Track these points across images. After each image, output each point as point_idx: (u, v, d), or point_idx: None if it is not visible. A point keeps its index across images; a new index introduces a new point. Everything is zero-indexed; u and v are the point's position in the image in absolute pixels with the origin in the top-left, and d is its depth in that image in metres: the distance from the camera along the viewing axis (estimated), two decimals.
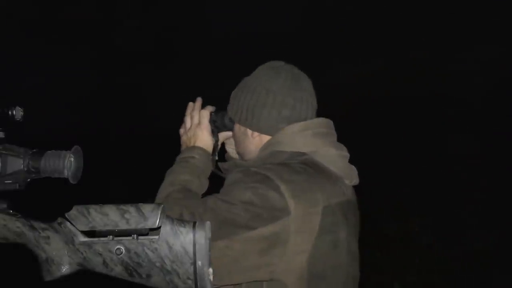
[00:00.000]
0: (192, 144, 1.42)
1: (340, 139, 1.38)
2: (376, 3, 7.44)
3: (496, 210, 5.12)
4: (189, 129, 1.45)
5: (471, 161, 5.92)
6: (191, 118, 1.46)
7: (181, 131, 1.49)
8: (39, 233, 0.91)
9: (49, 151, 0.94)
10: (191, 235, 0.90)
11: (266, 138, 1.34)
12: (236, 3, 7.54)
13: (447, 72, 7.20)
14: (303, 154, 1.28)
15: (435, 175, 5.84)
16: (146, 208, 0.89)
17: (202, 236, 0.91)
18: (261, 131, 1.34)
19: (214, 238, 1.08)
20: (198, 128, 1.44)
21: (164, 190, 1.30)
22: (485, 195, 5.35)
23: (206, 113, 1.46)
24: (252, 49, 6.81)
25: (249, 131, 1.37)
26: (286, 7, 7.45)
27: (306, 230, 1.15)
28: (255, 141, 1.37)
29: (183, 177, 1.33)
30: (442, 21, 7.27)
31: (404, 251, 4.72)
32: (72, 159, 0.93)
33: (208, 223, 0.96)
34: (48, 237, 0.91)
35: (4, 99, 0.94)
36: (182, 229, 0.90)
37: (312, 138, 1.30)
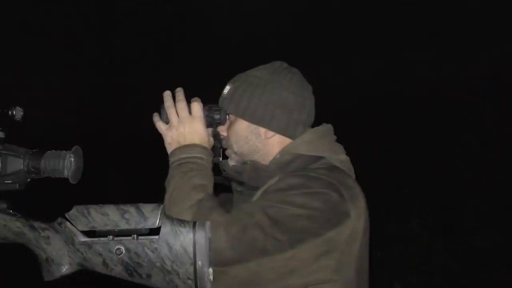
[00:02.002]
0: (189, 142, 1.25)
1: (339, 139, 1.39)
2: (375, 3, 7.45)
3: (496, 210, 5.12)
4: (179, 123, 1.26)
5: (472, 161, 5.93)
6: (180, 110, 1.27)
7: (161, 125, 1.28)
8: (39, 233, 0.91)
9: (49, 151, 0.94)
10: (191, 235, 0.90)
11: (281, 139, 1.32)
12: (236, 3, 7.55)
13: (446, 72, 7.21)
14: (321, 158, 1.29)
15: (435, 175, 5.84)
16: (146, 208, 0.89)
17: (202, 236, 0.91)
18: (280, 132, 1.31)
19: (280, 249, 1.08)
20: (193, 122, 1.26)
21: (187, 196, 1.16)
22: (485, 195, 5.36)
23: (199, 106, 1.28)
24: (251, 49, 6.81)
25: (262, 130, 1.31)
26: (285, 7, 7.46)
27: (357, 231, 1.19)
28: (269, 142, 1.32)
29: (199, 181, 1.19)
30: (441, 21, 7.28)
31: (404, 251, 4.72)
32: (72, 159, 0.93)
33: (208, 223, 0.95)
34: (48, 237, 0.91)
35: (4, 99, 0.94)
36: (182, 229, 0.90)
37: (332, 143, 1.34)
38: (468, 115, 6.53)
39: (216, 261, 1.02)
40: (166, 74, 7.66)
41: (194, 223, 0.92)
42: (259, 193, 1.22)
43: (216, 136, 1.34)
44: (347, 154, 1.36)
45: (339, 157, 1.32)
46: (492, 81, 6.52)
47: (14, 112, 0.93)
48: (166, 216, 0.91)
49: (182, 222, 0.92)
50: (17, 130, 0.97)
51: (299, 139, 1.31)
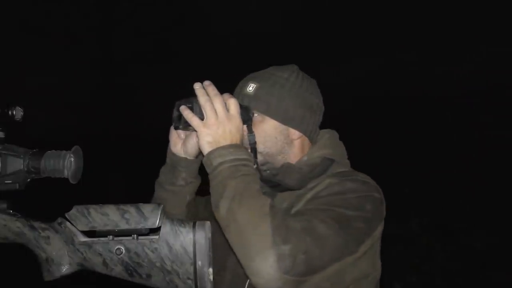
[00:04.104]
0: (230, 142, 1.15)
1: (340, 139, 1.41)
2: (372, 4, 7.45)
3: (495, 210, 5.12)
4: (220, 121, 1.14)
5: (471, 162, 5.93)
6: (218, 107, 1.15)
7: (197, 121, 1.15)
8: (39, 233, 0.91)
9: (49, 151, 0.94)
10: (191, 235, 0.90)
11: (303, 141, 1.33)
12: (235, 4, 7.55)
13: (446, 73, 7.21)
14: (333, 161, 1.31)
15: (435, 175, 5.85)
16: (146, 208, 0.89)
17: (202, 236, 0.91)
18: (306, 133, 1.32)
19: (352, 252, 1.10)
20: (234, 120, 1.16)
21: (258, 201, 1.07)
22: (485, 195, 5.36)
23: (237, 103, 1.18)
24: (250, 49, 6.82)
25: (292, 132, 1.30)
26: (282, 7, 7.47)
27: (381, 230, 1.23)
28: (295, 143, 1.32)
29: (257, 186, 1.12)
30: (439, 22, 7.29)
31: (404, 251, 4.72)
32: (72, 159, 0.93)
33: (208, 223, 0.95)
34: (48, 237, 0.91)
35: (4, 99, 0.94)
36: (182, 229, 0.90)
37: (343, 147, 1.38)
38: (467, 116, 6.53)
39: (307, 271, 1.01)
40: (166, 74, 7.66)
41: (194, 223, 0.92)
42: (308, 195, 1.20)
43: (253, 137, 1.26)
44: (348, 153, 1.39)
45: (346, 161, 1.36)
46: (488, 83, 6.52)
47: (14, 112, 0.93)
48: (166, 216, 0.91)
49: (182, 222, 0.92)
50: (17, 130, 0.96)
51: (322, 142, 1.34)
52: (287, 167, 1.28)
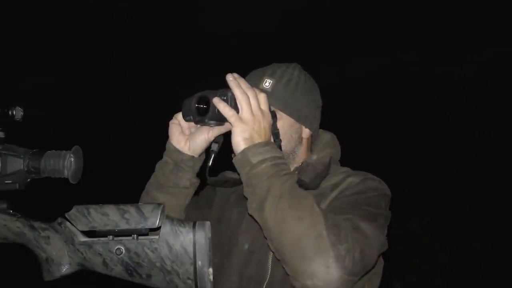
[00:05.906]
0: (264, 139, 1.10)
1: (340, 138, 1.42)
2: (372, 4, 7.44)
3: (496, 210, 5.12)
4: (255, 117, 1.08)
5: (471, 161, 5.92)
6: (252, 98, 1.09)
7: (233, 113, 1.08)
8: (39, 233, 0.91)
9: (49, 151, 0.93)
10: (191, 235, 0.90)
11: (309, 140, 1.33)
12: (234, 4, 7.54)
13: (445, 73, 7.21)
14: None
15: (435, 175, 5.84)
16: (146, 208, 0.89)
17: (202, 236, 0.91)
18: (314, 132, 1.33)
19: (385, 247, 1.13)
20: (267, 117, 1.11)
21: (308, 200, 1.04)
22: (485, 195, 5.36)
23: (266, 98, 1.12)
24: (251, 50, 6.81)
25: (304, 131, 1.30)
26: (282, 7, 7.46)
27: None
28: (304, 141, 1.32)
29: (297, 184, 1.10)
30: (439, 22, 7.28)
31: (404, 251, 4.73)
32: (72, 159, 0.93)
33: (208, 223, 0.95)
34: (48, 237, 0.91)
35: (4, 99, 0.93)
36: (182, 229, 0.90)
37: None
38: (467, 116, 6.52)
39: (362, 270, 1.01)
40: (166, 74, 7.65)
41: (194, 223, 0.92)
42: (333, 194, 1.19)
43: (278, 134, 1.20)
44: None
45: (338, 161, 1.37)
46: (488, 83, 6.51)
47: (14, 112, 0.93)
48: (166, 216, 0.91)
49: (182, 222, 0.92)
50: (17, 130, 0.96)
51: (326, 142, 1.36)
52: (306, 165, 1.26)
